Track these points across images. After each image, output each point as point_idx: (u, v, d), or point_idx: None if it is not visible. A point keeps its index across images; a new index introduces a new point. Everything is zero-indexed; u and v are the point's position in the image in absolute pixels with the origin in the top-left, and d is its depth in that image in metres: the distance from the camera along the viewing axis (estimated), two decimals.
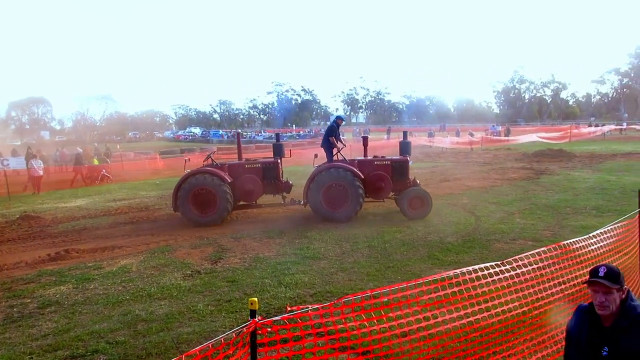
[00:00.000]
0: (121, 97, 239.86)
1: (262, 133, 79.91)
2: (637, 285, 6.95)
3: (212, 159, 13.91)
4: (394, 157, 14.18)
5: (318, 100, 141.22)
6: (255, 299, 3.40)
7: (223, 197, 12.83)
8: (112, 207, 16.96)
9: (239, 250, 10.27)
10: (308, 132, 73.93)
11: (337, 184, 12.80)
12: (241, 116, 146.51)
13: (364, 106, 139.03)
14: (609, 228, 6.33)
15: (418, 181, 14.09)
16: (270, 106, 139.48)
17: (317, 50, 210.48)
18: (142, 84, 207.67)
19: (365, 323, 4.25)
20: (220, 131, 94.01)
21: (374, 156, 14.69)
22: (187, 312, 7.01)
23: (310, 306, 3.95)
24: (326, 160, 13.76)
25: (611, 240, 6.21)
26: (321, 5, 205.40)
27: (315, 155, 14.28)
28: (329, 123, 14.20)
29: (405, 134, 15.82)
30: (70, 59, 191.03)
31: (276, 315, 3.84)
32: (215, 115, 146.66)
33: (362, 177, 13.06)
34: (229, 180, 13.12)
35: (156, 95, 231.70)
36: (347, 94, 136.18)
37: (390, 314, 4.40)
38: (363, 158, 14.26)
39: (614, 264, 6.03)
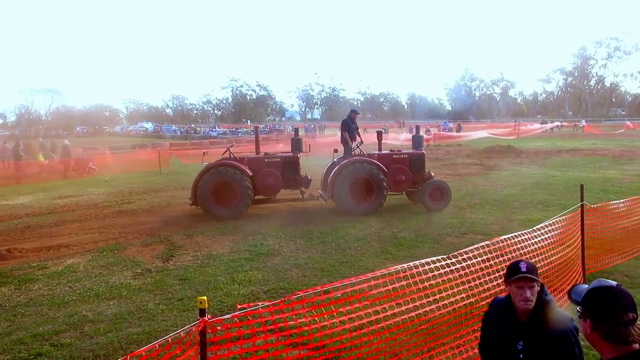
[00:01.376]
0: (68, 91, 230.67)
1: (217, 129, 78.93)
2: (579, 276, 7.26)
3: (230, 153, 13.64)
4: (411, 151, 14.41)
5: (273, 96, 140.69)
6: (205, 298, 3.35)
7: (244, 191, 12.72)
8: (58, 204, 16.36)
9: (191, 248, 10.10)
10: (263, 127, 73.43)
11: (363, 178, 13.00)
12: (195, 111, 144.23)
13: (319, 102, 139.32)
14: (552, 221, 6.58)
15: (433, 174, 14.37)
16: (224, 101, 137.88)
17: (273, 45, 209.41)
18: (90, 77, 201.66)
19: (317, 319, 4.26)
20: (174, 126, 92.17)
21: (390, 150, 14.97)
22: (137, 311, 6.84)
23: (260, 303, 3.91)
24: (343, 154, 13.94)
25: (554, 233, 6.46)
26: (275, 1, 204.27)
27: (335, 151, 14.40)
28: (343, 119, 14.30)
29: (417, 128, 16.00)
30: (14, 49, 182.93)
31: (230, 313, 3.78)
32: (168, 110, 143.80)
33: (386, 170, 13.25)
34: (250, 174, 12.99)
35: (106, 89, 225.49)
36: (303, 90, 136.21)
37: (342, 309, 4.43)
38: (382, 152, 14.34)
39: (558, 256, 6.30)
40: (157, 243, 10.60)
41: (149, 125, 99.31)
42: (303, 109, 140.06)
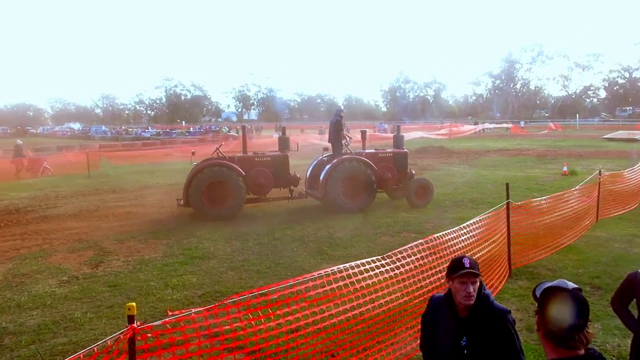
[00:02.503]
0: None
1: (150, 129, 76.68)
2: (506, 271, 7.58)
3: (220, 152, 13.35)
4: (395, 150, 14.81)
5: (209, 97, 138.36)
6: (133, 304, 3.21)
7: (238, 191, 12.59)
8: None
9: (122, 253, 9.73)
10: (198, 128, 72.04)
11: (354, 176, 13.21)
12: (126, 111, 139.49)
13: (255, 103, 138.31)
14: (480, 219, 6.83)
15: (413, 172, 14.87)
16: (158, 101, 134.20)
17: (208, 45, 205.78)
18: (12, 73, 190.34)
19: (253, 322, 4.20)
20: (103, 127, 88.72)
21: (375, 149, 15.24)
22: (63, 321, 6.50)
23: (193, 309, 3.80)
24: (326, 153, 14.21)
25: (481, 230, 6.71)
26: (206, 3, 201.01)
27: (325, 149, 14.63)
28: (331, 119, 14.31)
29: (398, 128, 16.62)
30: None
31: (163, 319, 3.65)
32: (98, 111, 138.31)
33: (376, 169, 13.52)
34: (243, 174, 12.82)
35: (29, 86, 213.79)
36: (239, 91, 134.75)
37: (279, 311, 4.39)
38: (368, 151, 14.64)
39: (484, 252, 6.54)
40: (85, 249, 10.13)
41: (76, 126, 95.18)
42: (239, 110, 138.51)
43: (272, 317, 4.32)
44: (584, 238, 9.76)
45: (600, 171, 11.50)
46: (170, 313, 3.59)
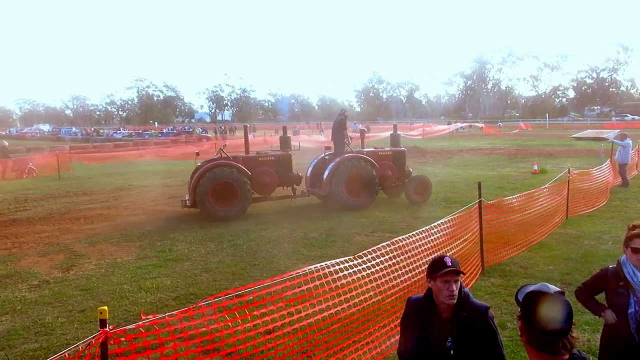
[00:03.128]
0: None
1: (122, 130, 75.53)
2: (478, 269, 7.70)
3: (223, 152, 13.38)
4: (394, 148, 15.23)
5: (182, 97, 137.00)
6: (105, 308, 3.17)
7: (245, 191, 12.67)
8: None
9: (94, 256, 9.57)
10: (171, 129, 71.20)
11: (357, 174, 13.48)
12: (97, 112, 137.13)
13: (229, 104, 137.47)
14: (452, 217, 6.92)
15: (411, 169, 15.33)
16: (130, 102, 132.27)
17: (180, 45, 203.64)
18: None
19: (229, 324, 4.18)
20: (74, 128, 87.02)
21: (374, 147, 15.55)
22: (34, 326, 6.36)
23: (167, 312, 3.76)
24: (329, 152, 14.51)
25: (454, 228, 6.81)
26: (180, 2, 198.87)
27: (327, 148, 14.84)
28: (336, 118, 14.53)
29: (395, 127, 17.20)
30: None
31: (136, 323, 3.60)
32: (68, 112, 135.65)
33: (378, 166, 13.80)
34: (250, 174, 12.87)
35: None
36: (212, 91, 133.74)
37: (255, 312, 4.38)
38: (368, 149, 14.92)
39: (455, 250, 6.64)
40: (55, 252, 9.93)
41: (46, 128, 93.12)
42: (213, 111, 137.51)
43: (248, 318, 4.31)
44: (554, 235, 9.97)
45: (569, 170, 11.77)
46: (143, 316, 3.55)
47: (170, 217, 13.01)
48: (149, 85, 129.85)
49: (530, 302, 2.16)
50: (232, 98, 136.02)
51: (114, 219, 13.11)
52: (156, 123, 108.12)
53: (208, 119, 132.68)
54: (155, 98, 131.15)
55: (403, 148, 15.43)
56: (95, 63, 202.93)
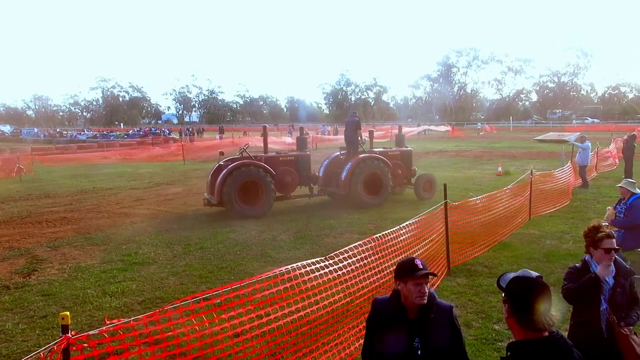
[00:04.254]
0: None
1: (86, 132, 73.86)
2: (444, 269, 7.81)
3: (246, 152, 13.63)
4: (402, 148, 15.97)
5: (148, 98, 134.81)
6: (67, 313, 3.10)
7: (269, 189, 12.93)
8: None
9: (56, 260, 9.33)
10: (137, 131, 69.93)
11: (373, 173, 13.98)
12: (61, 113, 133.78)
13: (197, 105, 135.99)
14: (419, 218, 7.01)
15: (416, 168, 16.08)
16: (94, 103, 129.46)
17: (146, 45, 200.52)
18: None
19: (196, 327, 4.13)
20: (36, 129, 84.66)
21: (384, 147, 16.15)
22: None
23: (132, 318, 3.70)
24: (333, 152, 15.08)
25: (420, 229, 6.90)
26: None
27: (342, 149, 15.13)
28: (348, 119, 15.15)
29: (400, 128, 18.53)
30: None
31: (100, 328, 3.53)
32: (30, 112, 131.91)
33: (391, 166, 14.42)
34: (274, 173, 13.14)
35: None
36: (179, 92, 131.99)
37: (223, 316, 4.34)
38: (378, 149, 15.42)
39: (422, 250, 6.73)
40: (16, 257, 9.64)
41: (6, 128, 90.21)
42: (180, 112, 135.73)
43: (215, 321, 4.27)
44: (517, 235, 10.21)
45: (531, 171, 12.07)
46: (107, 321, 3.47)
47: (136, 220, 12.79)
48: (114, 86, 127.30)
49: (517, 287, 2.44)
50: (200, 99, 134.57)
51: (78, 222, 12.80)
52: (122, 124, 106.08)
53: (175, 121, 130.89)
54: (120, 99, 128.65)
55: (410, 148, 16.26)
56: (58, 62, 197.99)
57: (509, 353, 2.46)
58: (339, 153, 15.02)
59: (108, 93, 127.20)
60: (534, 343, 2.36)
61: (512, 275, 2.53)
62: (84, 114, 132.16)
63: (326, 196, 14.92)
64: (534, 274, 2.49)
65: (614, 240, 3.78)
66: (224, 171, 12.70)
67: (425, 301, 2.97)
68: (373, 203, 13.90)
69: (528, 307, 2.34)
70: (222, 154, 15.27)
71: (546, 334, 2.37)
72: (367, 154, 14.30)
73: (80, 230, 11.85)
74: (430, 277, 3.02)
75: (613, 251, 3.75)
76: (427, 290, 2.97)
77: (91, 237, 11.09)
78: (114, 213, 13.87)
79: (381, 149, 15.60)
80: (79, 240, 10.83)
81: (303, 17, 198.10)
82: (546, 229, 10.78)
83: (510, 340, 2.66)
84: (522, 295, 2.39)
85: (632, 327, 3.73)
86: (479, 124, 74.47)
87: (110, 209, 14.60)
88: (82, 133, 71.50)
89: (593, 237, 3.78)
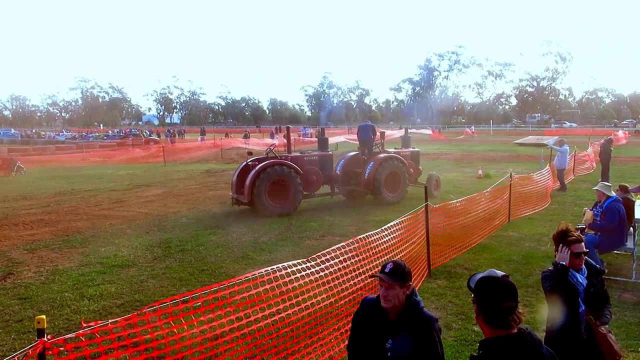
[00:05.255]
0: None
1: (64, 133, 72.77)
2: (425, 271, 7.85)
3: (273, 152, 14.25)
4: (412, 149, 16.91)
5: (129, 99, 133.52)
6: (43, 317, 3.04)
7: (297, 188, 13.45)
8: None
9: (33, 263, 9.16)
10: (117, 132, 69.12)
11: (394, 172, 14.82)
12: (39, 114, 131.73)
13: (178, 106, 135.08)
14: (400, 221, 7.04)
15: (421, 168, 16.98)
16: (73, 103, 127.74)
17: (127, 45, 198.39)
18: None
19: (175, 330, 4.09)
20: (13, 130, 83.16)
21: (395, 149, 16.73)
22: None
23: (110, 321, 3.64)
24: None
25: (402, 231, 6.92)
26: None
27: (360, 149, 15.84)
28: (362, 124, 16.13)
29: (406, 130, 19.67)
30: None
31: (77, 332, 3.46)
32: (7, 112, 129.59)
33: (408, 165, 15.39)
34: (302, 172, 13.64)
35: None
36: (160, 93, 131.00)
37: (203, 318, 4.30)
38: (390, 150, 16.07)
39: (404, 253, 6.75)
40: None
41: None
42: (161, 113, 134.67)
43: (195, 324, 4.23)
44: (497, 237, 10.31)
45: (511, 174, 12.21)
46: (84, 325, 3.42)
47: (116, 223, 12.62)
48: (94, 86, 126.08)
49: (484, 286, 2.51)
50: (181, 101, 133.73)
51: (55, 225, 12.59)
52: (101, 125, 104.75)
53: (156, 122, 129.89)
54: (100, 99, 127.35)
55: (418, 149, 17.11)
56: (37, 62, 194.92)
57: (480, 351, 2.52)
58: (354, 153, 15.79)
59: (87, 93, 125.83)
60: (503, 340, 2.42)
61: (480, 275, 2.60)
62: (63, 114, 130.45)
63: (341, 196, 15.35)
64: (500, 273, 2.55)
65: (583, 244, 3.83)
66: (255, 170, 13.09)
67: (388, 305, 3.04)
68: (393, 200, 14.64)
69: (495, 305, 2.43)
70: (250, 154, 15.54)
71: (515, 330, 2.43)
72: (387, 154, 15.08)
73: (58, 232, 11.66)
74: (394, 284, 3.02)
75: (583, 254, 3.81)
76: (388, 294, 3.02)
77: (69, 239, 10.92)
78: (93, 215, 13.69)
79: (393, 150, 16.21)
80: (57, 242, 10.66)
81: (285, 19, 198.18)
82: (525, 231, 10.91)
83: None
84: (488, 294, 2.47)
85: (607, 326, 3.80)
86: (472, 127, 75.46)
87: (89, 211, 14.40)
88: (60, 134, 70.42)
89: (564, 242, 3.82)
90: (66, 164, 29.34)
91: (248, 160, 13.93)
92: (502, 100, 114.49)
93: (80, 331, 3.38)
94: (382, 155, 14.94)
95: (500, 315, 2.42)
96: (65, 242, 10.64)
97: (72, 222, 12.90)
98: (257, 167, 13.11)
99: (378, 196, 14.57)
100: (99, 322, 3.61)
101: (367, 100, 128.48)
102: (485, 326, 2.50)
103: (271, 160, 13.55)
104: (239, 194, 13.52)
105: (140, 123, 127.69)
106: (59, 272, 8.57)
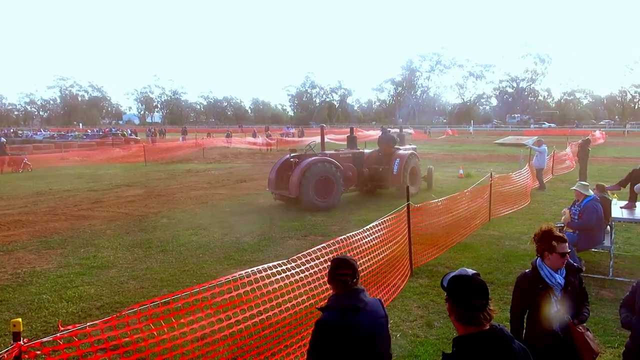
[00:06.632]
0: None
1: (42, 132, 71.59)
2: (408, 270, 7.89)
3: (312, 149, 14.89)
4: (412, 146, 17.85)
5: (108, 98, 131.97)
6: (19, 320, 2.98)
7: (339, 184, 14.12)
8: None
9: (10, 265, 8.99)
10: (97, 131, 68.20)
11: (414, 167, 16.38)
12: (16, 112, 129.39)
13: (159, 105, 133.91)
14: (382, 221, 7.06)
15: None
16: (51, 102, 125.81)
17: (107, 43, 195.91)
18: None
19: (155, 332, 4.04)
20: None
21: (397, 147, 17.22)
22: None
23: (88, 323, 3.59)
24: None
25: (384, 231, 6.95)
26: None
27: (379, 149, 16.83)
28: (385, 136, 17.05)
29: (400, 128, 21.09)
30: None
31: (54, 335, 3.40)
32: None
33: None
34: (342, 169, 14.32)
35: None
36: (141, 92, 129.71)
37: (184, 320, 4.26)
38: (402, 147, 17.04)
39: (387, 252, 6.77)
40: None
41: None
42: (142, 112, 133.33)
43: (175, 326, 4.19)
44: (477, 236, 10.41)
45: (491, 174, 12.33)
46: (61, 327, 3.36)
47: (95, 223, 12.44)
48: (73, 85, 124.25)
49: (455, 285, 2.56)
50: (163, 100, 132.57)
51: (33, 225, 12.37)
52: (81, 124, 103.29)
53: (137, 121, 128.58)
54: (79, 98, 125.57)
55: (415, 147, 17.86)
56: (14, 59, 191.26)
57: (454, 348, 2.57)
58: (371, 151, 16.81)
59: (66, 92, 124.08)
60: (475, 336, 2.48)
61: (453, 274, 2.66)
62: (41, 113, 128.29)
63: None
64: (471, 272, 2.60)
65: (567, 244, 3.88)
66: (301, 167, 13.63)
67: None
68: (415, 192, 15.43)
69: (466, 303, 2.49)
70: (293, 151, 15.86)
71: (487, 327, 2.49)
72: (407, 151, 16.26)
73: (36, 233, 11.46)
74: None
75: (567, 255, 3.85)
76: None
77: (47, 240, 10.75)
78: (72, 216, 13.48)
79: (403, 147, 17.09)
80: (34, 244, 10.47)
81: (268, 19, 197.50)
82: (505, 230, 11.03)
83: None
84: (459, 292, 2.53)
85: (585, 324, 3.85)
86: (470, 127, 76.59)
87: (68, 211, 14.18)
88: (38, 133, 69.22)
89: (549, 242, 3.85)
90: (44, 164, 28.84)
91: (290, 157, 14.54)
92: (482, 100, 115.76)
93: (58, 334, 3.32)
94: (401, 152, 16.15)
95: (472, 313, 2.47)
96: (43, 243, 10.47)
97: (50, 222, 12.69)
98: (303, 164, 13.66)
99: (403, 190, 14.97)
100: (77, 325, 3.56)
101: (349, 100, 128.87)
102: (457, 324, 2.56)
103: (316, 157, 14.09)
104: (279, 189, 14.22)
105: (120, 122, 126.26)
106: (36, 274, 8.42)
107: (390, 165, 15.63)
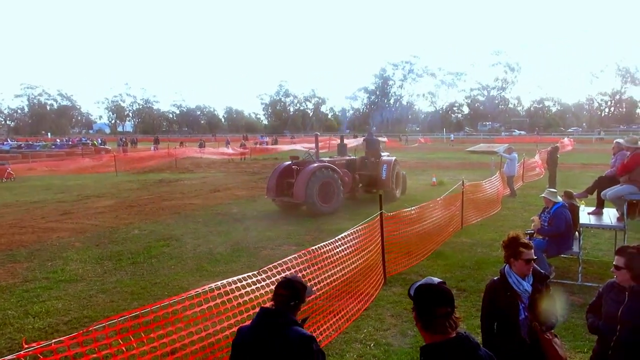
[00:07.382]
0: None
1: (9, 142, 69.81)
2: (381, 278, 7.90)
3: (311, 156, 15.63)
4: (386, 153, 18.03)
5: (78, 107, 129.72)
6: None
7: (339, 189, 14.65)
8: None
9: None
10: (66, 141, 66.86)
11: (398, 172, 17.30)
12: None
13: (131, 114, 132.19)
14: (355, 229, 7.07)
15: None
16: (19, 111, 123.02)
17: (76, 50, 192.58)
18: None
19: (124, 348, 3.95)
20: None
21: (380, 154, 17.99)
22: None
23: (53, 340, 3.48)
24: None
25: (357, 240, 6.95)
26: (78, 3, 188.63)
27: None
28: (370, 137, 18.06)
29: (400, 136, 20.96)
30: None
31: (17, 352, 3.29)
32: None
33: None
34: (341, 174, 14.92)
35: None
36: (112, 101, 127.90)
37: (153, 334, 4.18)
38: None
39: (360, 262, 6.77)
40: None
41: None
42: (113, 121, 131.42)
43: (145, 341, 4.11)
44: (450, 244, 10.50)
45: (463, 181, 12.48)
46: (25, 345, 3.26)
47: (63, 235, 12.15)
48: (42, 93, 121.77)
49: (421, 293, 2.57)
50: (134, 109, 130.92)
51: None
52: (49, 134, 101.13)
53: (108, 130, 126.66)
54: (48, 107, 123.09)
55: (388, 153, 18.39)
56: None
57: (421, 357, 2.59)
58: (358, 157, 17.39)
59: (34, 101, 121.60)
60: (441, 345, 2.49)
61: (419, 283, 2.68)
62: (7, 122, 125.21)
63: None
64: (437, 280, 2.62)
65: (533, 250, 3.93)
66: (305, 173, 14.06)
67: None
68: (400, 195, 17.01)
69: (431, 312, 2.51)
70: (294, 158, 16.18)
71: (453, 335, 2.50)
72: (390, 158, 17.06)
73: (1, 246, 11.12)
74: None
75: (532, 261, 3.91)
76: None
77: (13, 253, 10.44)
78: (39, 228, 13.14)
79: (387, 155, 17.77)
80: None
81: (240, 27, 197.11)
82: (477, 237, 11.16)
83: None
84: (425, 301, 2.55)
85: (552, 330, 3.90)
86: (451, 135, 77.51)
87: (35, 223, 13.82)
88: (4, 143, 67.36)
89: (515, 249, 3.90)
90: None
91: (291, 164, 15.01)
92: (454, 108, 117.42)
93: (22, 352, 3.22)
94: (388, 158, 16.86)
95: (437, 321, 2.49)
96: (8, 257, 10.17)
97: (16, 235, 12.34)
98: (307, 170, 14.13)
99: (390, 194, 16.23)
100: (43, 342, 3.46)
101: (323, 108, 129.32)
102: (424, 332, 2.57)
103: (319, 164, 14.59)
104: (280, 196, 14.69)
105: (91, 132, 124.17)
106: (1, 289, 8.17)
107: (378, 171, 16.43)
